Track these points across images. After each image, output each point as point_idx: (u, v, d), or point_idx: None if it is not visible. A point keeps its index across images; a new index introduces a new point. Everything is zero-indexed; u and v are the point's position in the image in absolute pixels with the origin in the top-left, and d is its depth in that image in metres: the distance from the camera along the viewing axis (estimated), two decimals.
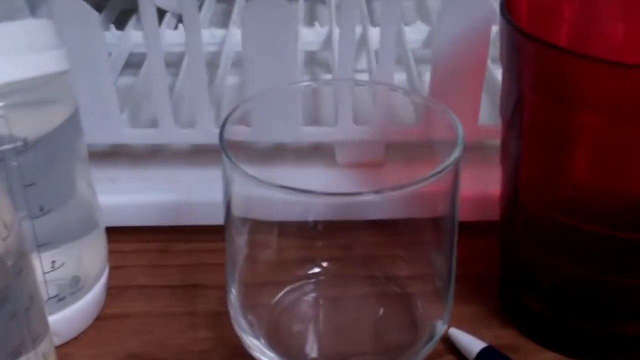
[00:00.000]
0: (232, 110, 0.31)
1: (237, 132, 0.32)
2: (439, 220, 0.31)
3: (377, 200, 0.29)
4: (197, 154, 0.43)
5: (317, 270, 0.36)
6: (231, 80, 0.48)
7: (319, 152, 0.43)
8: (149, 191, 0.41)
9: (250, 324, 0.32)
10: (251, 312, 0.33)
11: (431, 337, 0.32)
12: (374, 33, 0.49)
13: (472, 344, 0.33)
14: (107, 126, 0.41)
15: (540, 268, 0.33)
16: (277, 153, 0.40)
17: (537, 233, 0.32)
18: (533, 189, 0.32)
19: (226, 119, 0.31)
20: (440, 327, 0.32)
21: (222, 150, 0.29)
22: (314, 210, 0.32)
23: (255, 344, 0.32)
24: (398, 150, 0.43)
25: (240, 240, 0.32)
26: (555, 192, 0.31)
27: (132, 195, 0.41)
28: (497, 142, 0.39)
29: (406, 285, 0.35)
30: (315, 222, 0.34)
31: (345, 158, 0.42)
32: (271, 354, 0.31)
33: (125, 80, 0.47)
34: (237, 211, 0.31)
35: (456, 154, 0.29)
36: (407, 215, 0.32)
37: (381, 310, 0.35)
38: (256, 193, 0.29)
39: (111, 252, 0.37)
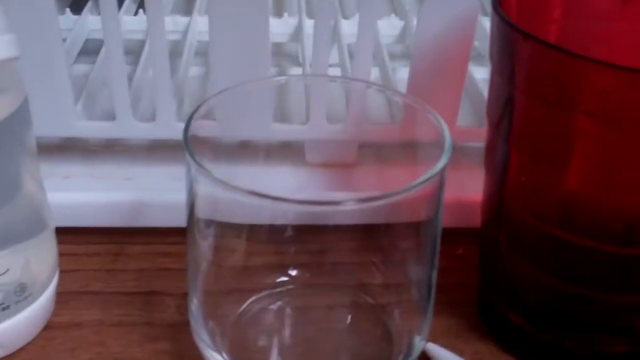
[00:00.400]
0: (197, 107, 0.29)
1: (202, 127, 0.30)
2: (420, 226, 0.29)
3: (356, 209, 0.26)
4: (157, 150, 0.41)
5: (285, 278, 0.34)
6: (195, 71, 0.46)
7: (287, 151, 0.41)
8: (104, 189, 0.39)
9: (213, 337, 0.30)
10: (214, 323, 0.31)
11: (408, 354, 0.30)
12: (346, 26, 0.47)
13: None
14: (59, 118, 0.38)
15: (523, 280, 0.31)
16: (244, 150, 0.39)
17: (521, 243, 0.31)
18: (520, 196, 0.30)
19: (191, 117, 0.28)
20: (419, 343, 0.30)
21: (186, 151, 0.27)
22: (285, 214, 0.30)
23: (217, 359, 0.30)
24: (370, 150, 0.41)
25: (204, 245, 0.30)
26: (544, 201, 0.29)
27: (85, 193, 0.39)
28: (477, 144, 0.38)
29: (381, 295, 0.33)
30: (286, 226, 0.32)
31: (316, 157, 0.40)
32: None
33: (81, 68, 0.45)
34: (201, 213, 0.29)
35: (444, 159, 0.27)
36: (386, 221, 0.30)
37: (354, 323, 0.33)
38: (223, 194, 0.28)
39: (62, 255, 0.35)
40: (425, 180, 0.26)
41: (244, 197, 0.25)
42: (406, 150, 0.36)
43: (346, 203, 0.25)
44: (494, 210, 0.32)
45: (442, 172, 0.27)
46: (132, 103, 0.39)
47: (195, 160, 0.26)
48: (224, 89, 0.30)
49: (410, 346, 0.30)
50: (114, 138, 0.41)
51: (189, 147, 0.27)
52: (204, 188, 0.28)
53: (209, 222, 0.30)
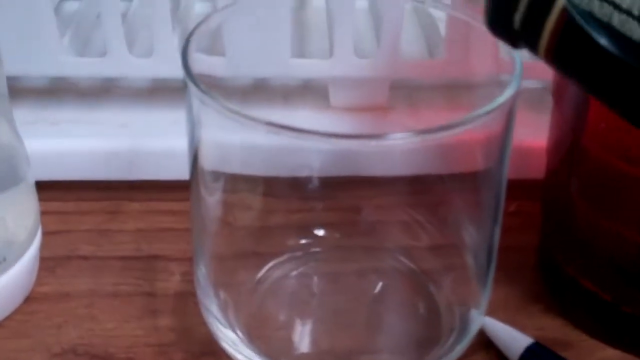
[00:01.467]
0: (199, 22, 0.23)
1: (208, 64, 0.27)
2: (478, 176, 0.24)
3: (398, 148, 0.21)
4: (157, 93, 0.37)
5: (310, 240, 0.29)
6: (200, 7, 0.41)
7: (308, 92, 0.36)
8: (97, 136, 0.34)
9: (224, 310, 0.26)
10: (225, 293, 0.27)
11: (463, 331, 0.25)
12: None
13: (515, 339, 0.26)
14: (42, 54, 0.33)
15: (601, 237, 0.26)
16: (258, 93, 0.36)
17: (600, 192, 0.25)
18: (603, 134, 0.24)
19: (192, 33, 0.23)
20: (476, 318, 0.25)
21: (186, 75, 0.21)
22: (310, 161, 0.25)
23: (229, 337, 0.25)
24: (404, 91, 0.36)
25: (211, 201, 0.25)
26: (635, 138, 0.24)
27: (75, 141, 0.34)
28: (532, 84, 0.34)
29: (427, 260, 0.28)
30: (311, 178, 0.27)
31: (341, 100, 0.36)
32: (249, 351, 0.25)
33: (72, 5, 0.39)
34: (207, 163, 0.25)
35: (514, 86, 0.21)
36: (434, 171, 0.25)
37: (393, 293, 0.28)
38: (234, 138, 0.24)
39: (47, 214, 0.30)
40: (495, 109, 0.20)
41: (260, 131, 0.20)
42: (448, 91, 0.32)
43: (391, 137, 0.20)
44: (565, 154, 0.26)
45: (512, 101, 0.21)
46: (128, 40, 0.34)
47: (197, 86, 0.21)
48: (231, 4, 0.25)
49: (464, 321, 0.25)
50: (107, 78, 0.37)
51: (189, 70, 0.22)
52: (209, 130, 0.23)
53: (217, 175, 0.26)
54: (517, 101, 0.22)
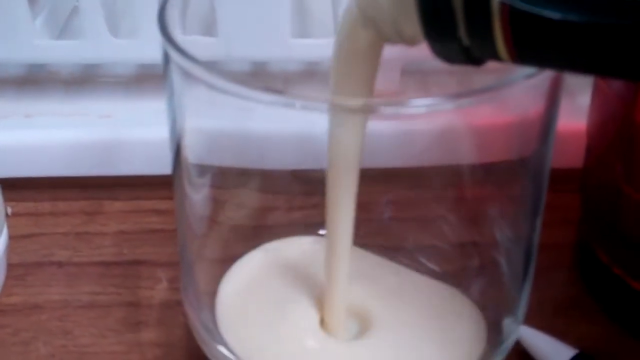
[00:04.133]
0: None
1: (201, 46, 0.25)
2: (515, 164, 0.20)
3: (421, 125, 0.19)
4: (143, 81, 0.33)
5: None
6: None
7: (311, 77, 0.33)
8: (75, 128, 0.31)
9: (215, 323, 0.22)
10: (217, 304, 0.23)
11: (497, 341, 0.21)
12: None
13: (557, 350, 0.22)
14: (12, 36, 0.30)
15: None
16: (255, 78, 0.33)
17: None
18: None
19: None
20: (511, 327, 0.21)
21: (164, 39, 0.18)
22: (315, 150, 0.22)
23: (221, 353, 0.22)
24: (416, 76, 0.32)
25: (197, 198, 0.22)
26: None
27: (51, 134, 0.31)
28: None
29: (452, 261, 0.24)
30: (316, 170, 0.23)
31: None
32: None
33: None
34: (192, 154, 0.21)
35: None
36: (458, 160, 0.22)
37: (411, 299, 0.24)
38: (224, 124, 0.21)
39: (19, 216, 0.28)
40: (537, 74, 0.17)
41: (257, 105, 0.17)
42: (463, 76, 0.29)
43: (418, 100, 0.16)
44: (612, 136, 0.23)
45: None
46: (112, 24, 0.31)
47: (178, 51, 0.18)
48: None
49: (497, 331, 0.21)
50: (88, 65, 0.33)
51: (167, 34, 0.18)
52: (194, 114, 0.21)
53: (204, 168, 0.23)
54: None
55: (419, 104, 0.17)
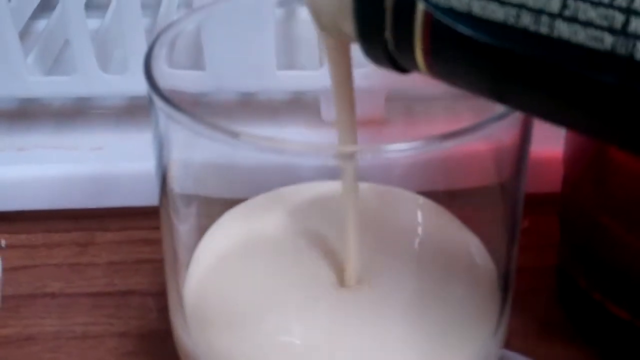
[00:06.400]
0: (166, 25, 0.21)
1: (189, 80, 0.26)
2: (490, 192, 0.21)
3: (399, 162, 0.19)
4: (133, 114, 0.34)
5: None
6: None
7: (298, 107, 0.34)
8: (68, 162, 0.32)
9: (206, 354, 0.22)
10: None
11: None
12: None
13: None
14: (5, 72, 0.31)
15: (630, 259, 0.23)
16: (244, 109, 0.33)
17: (629, 207, 0.23)
18: None
19: (157, 37, 0.20)
20: (491, 349, 0.22)
21: (149, 84, 0.19)
22: (300, 180, 0.24)
23: None
24: (401, 103, 0.33)
25: (183, 229, 0.22)
26: None
27: (44, 168, 0.32)
28: None
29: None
30: None
31: (334, 113, 0.32)
32: None
33: (41, 24, 0.37)
34: (178, 185, 0.22)
35: None
36: (436, 187, 0.23)
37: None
38: (208, 157, 0.21)
39: (12, 248, 0.29)
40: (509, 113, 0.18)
41: (241, 148, 0.17)
42: (448, 102, 0.29)
43: (392, 149, 0.17)
44: (587, 164, 0.23)
45: None
46: (102, 59, 0.32)
47: (162, 99, 0.18)
48: (207, 5, 0.22)
49: (476, 353, 0.22)
50: (79, 99, 0.34)
51: (151, 78, 0.19)
52: (179, 147, 0.20)
53: (190, 198, 0.23)
54: None
55: (398, 149, 0.17)
